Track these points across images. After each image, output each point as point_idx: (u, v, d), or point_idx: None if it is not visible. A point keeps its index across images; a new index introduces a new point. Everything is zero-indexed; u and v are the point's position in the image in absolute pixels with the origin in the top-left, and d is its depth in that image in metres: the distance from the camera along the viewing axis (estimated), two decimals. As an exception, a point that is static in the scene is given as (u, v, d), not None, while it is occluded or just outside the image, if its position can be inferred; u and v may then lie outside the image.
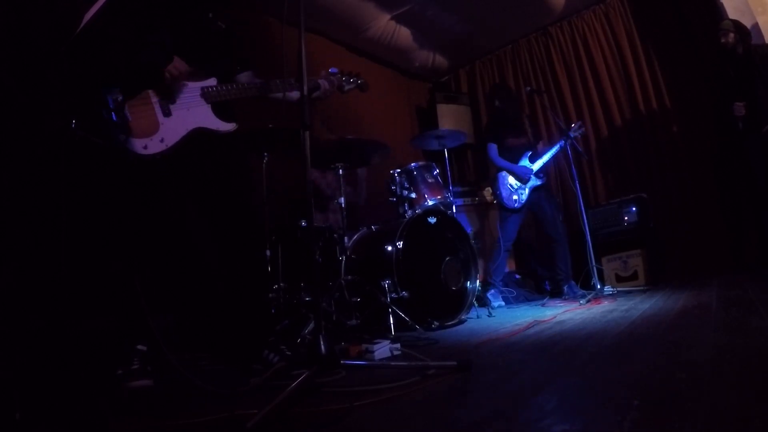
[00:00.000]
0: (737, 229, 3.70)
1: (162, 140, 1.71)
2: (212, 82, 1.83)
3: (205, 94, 1.80)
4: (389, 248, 2.64)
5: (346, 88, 2.10)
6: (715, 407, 0.82)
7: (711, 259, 3.75)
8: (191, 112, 1.77)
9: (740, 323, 1.62)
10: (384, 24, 4.50)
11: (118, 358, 1.64)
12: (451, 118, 5.18)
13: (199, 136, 1.76)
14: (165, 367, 1.69)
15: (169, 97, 1.75)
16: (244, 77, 1.98)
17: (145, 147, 1.68)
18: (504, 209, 3.74)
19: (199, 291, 2.26)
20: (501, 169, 3.74)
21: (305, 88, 1.51)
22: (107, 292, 1.87)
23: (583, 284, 3.58)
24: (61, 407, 1.41)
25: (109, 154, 1.67)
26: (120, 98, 1.66)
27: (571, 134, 3.64)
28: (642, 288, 3.43)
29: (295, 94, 1.93)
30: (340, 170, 3.02)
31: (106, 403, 1.41)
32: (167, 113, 1.74)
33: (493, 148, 3.80)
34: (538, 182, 3.71)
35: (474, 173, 5.53)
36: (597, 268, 3.37)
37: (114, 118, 1.64)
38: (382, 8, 4.29)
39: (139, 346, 1.66)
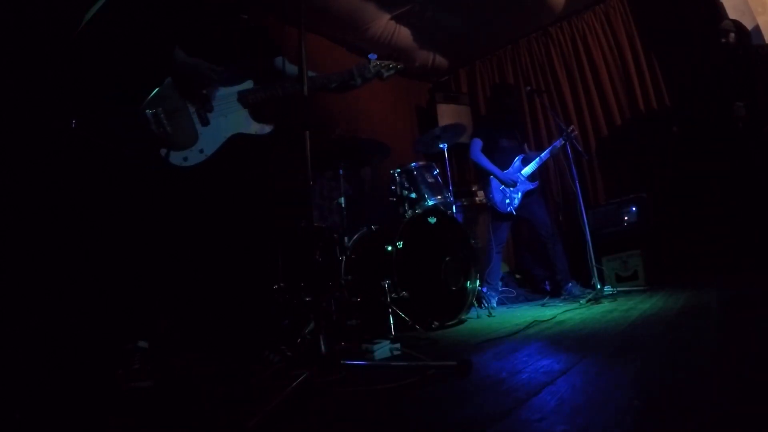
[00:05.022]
0: (738, 229, 3.69)
1: (201, 151, 1.68)
2: (248, 85, 1.79)
3: (242, 98, 1.77)
4: (389, 248, 2.64)
5: (386, 74, 2.04)
6: (715, 407, 0.82)
7: (711, 259, 3.75)
8: (229, 119, 1.74)
9: (740, 323, 1.62)
10: (384, 24, 4.50)
11: (118, 358, 1.64)
12: (451, 118, 5.18)
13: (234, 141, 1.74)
14: (165, 366, 1.69)
15: (206, 104, 1.72)
16: (280, 64, 1.92)
17: (185, 159, 1.66)
18: (496, 213, 3.73)
19: (199, 290, 2.26)
20: (486, 171, 3.73)
21: (305, 88, 1.50)
22: (108, 292, 1.87)
23: (583, 284, 3.58)
24: (61, 407, 1.41)
25: (109, 155, 1.66)
26: (159, 111, 1.64)
27: (557, 144, 3.65)
28: (642, 288, 3.43)
29: (332, 86, 1.89)
30: (340, 170, 3.02)
31: (106, 403, 1.41)
32: (205, 122, 1.71)
33: (477, 144, 3.76)
34: (531, 186, 3.71)
35: (474, 173, 5.53)
36: (597, 268, 3.37)
37: (155, 133, 1.62)
38: (382, 8, 4.29)
39: (141, 343, 1.67)
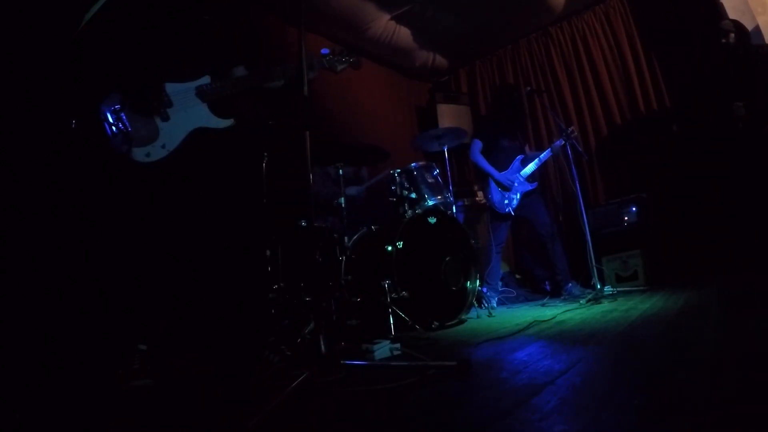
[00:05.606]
0: (738, 229, 3.69)
1: (163, 146, 1.71)
2: (205, 80, 1.83)
3: (200, 93, 1.81)
4: (389, 248, 2.64)
5: (339, 68, 2.07)
6: (715, 407, 0.82)
7: (711, 259, 3.75)
8: (188, 113, 1.77)
9: (740, 323, 1.62)
10: (384, 24, 4.50)
11: (118, 358, 1.64)
12: (451, 118, 5.18)
13: (200, 136, 1.76)
14: (165, 366, 1.69)
15: (164, 100, 1.75)
16: (238, 71, 1.97)
17: (148, 155, 1.68)
18: (495, 213, 3.73)
19: (199, 290, 2.26)
20: (484, 172, 3.73)
21: (305, 88, 1.51)
22: (108, 292, 1.88)
23: (583, 284, 3.58)
24: (61, 407, 1.41)
25: (109, 154, 1.67)
26: (118, 108, 1.66)
27: (558, 144, 3.65)
28: (642, 288, 3.43)
29: (277, 83, 1.94)
30: (340, 170, 3.02)
31: (106, 403, 1.41)
32: (165, 117, 1.74)
33: (477, 145, 3.77)
34: (530, 187, 3.70)
35: (474, 173, 5.53)
36: (597, 268, 3.37)
37: (115, 131, 1.65)
38: (382, 8, 4.29)
39: (140, 346, 1.67)
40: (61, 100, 1.87)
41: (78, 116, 1.76)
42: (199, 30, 1.88)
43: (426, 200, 3.00)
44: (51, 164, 1.85)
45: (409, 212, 2.93)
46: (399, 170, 3.13)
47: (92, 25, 1.67)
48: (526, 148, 3.98)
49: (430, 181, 3.11)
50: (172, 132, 1.74)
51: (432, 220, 2.90)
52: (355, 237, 2.91)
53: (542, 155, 3.75)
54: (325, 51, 2.05)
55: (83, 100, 1.78)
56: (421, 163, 3.16)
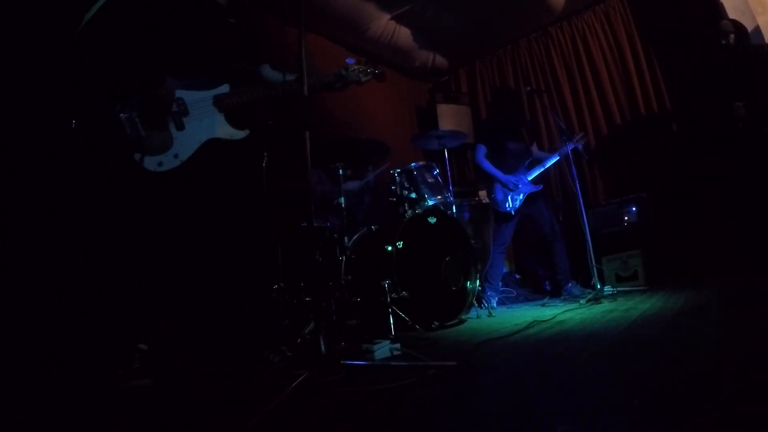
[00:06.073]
0: (738, 229, 3.69)
1: (176, 156, 1.69)
2: (224, 89, 1.80)
3: (218, 102, 1.77)
4: (389, 248, 2.64)
5: (363, 79, 2.03)
6: (715, 407, 0.82)
7: (711, 259, 3.74)
8: (204, 123, 1.74)
9: (740, 323, 1.62)
10: (384, 24, 4.50)
11: (118, 358, 1.64)
12: (451, 118, 5.18)
13: (210, 144, 1.74)
14: (165, 367, 1.69)
15: (181, 108, 1.73)
16: (265, 72, 1.94)
17: (160, 164, 1.66)
18: (498, 213, 3.73)
19: (199, 291, 2.26)
20: (490, 175, 3.72)
21: (305, 87, 1.51)
22: (108, 292, 1.87)
23: (583, 284, 3.57)
24: (61, 407, 1.41)
25: (109, 154, 1.66)
26: (134, 115, 1.64)
27: (569, 147, 3.64)
28: (642, 288, 3.43)
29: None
30: (340, 170, 3.02)
31: (106, 403, 1.41)
32: (180, 126, 1.71)
33: (481, 150, 3.76)
34: (535, 189, 3.69)
35: (474, 173, 5.53)
36: (597, 268, 3.37)
37: (129, 137, 1.62)
38: (382, 8, 4.29)
39: (141, 345, 1.67)
40: (61, 100, 1.87)
41: (78, 116, 1.76)
42: (200, 30, 1.87)
43: (426, 200, 3.00)
44: (51, 164, 1.85)
45: (409, 212, 2.93)
46: (399, 170, 3.13)
47: (92, 25, 1.67)
48: (533, 147, 3.97)
49: (430, 180, 3.11)
50: (186, 142, 1.70)
51: (432, 220, 2.90)
52: (355, 237, 2.91)
53: (550, 159, 3.74)
54: (350, 61, 2.00)
55: (83, 100, 1.78)
56: (421, 163, 3.16)
